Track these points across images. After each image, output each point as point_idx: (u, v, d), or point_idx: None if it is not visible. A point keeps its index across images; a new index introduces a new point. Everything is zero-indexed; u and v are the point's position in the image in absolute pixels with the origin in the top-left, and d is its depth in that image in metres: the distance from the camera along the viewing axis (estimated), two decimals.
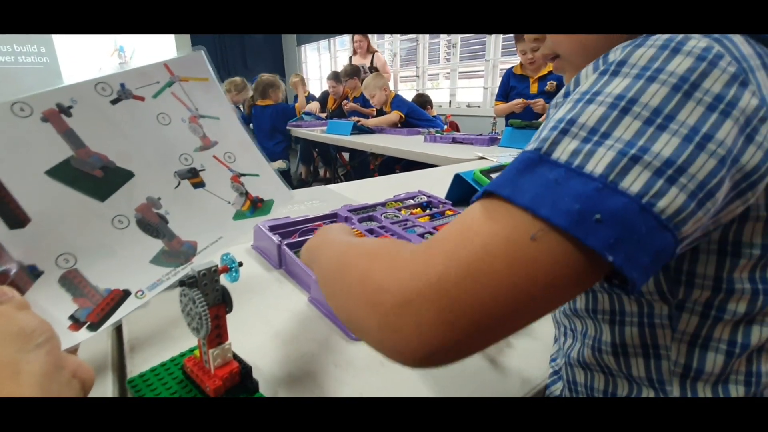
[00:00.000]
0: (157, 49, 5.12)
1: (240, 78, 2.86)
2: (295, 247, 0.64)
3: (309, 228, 0.74)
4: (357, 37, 3.45)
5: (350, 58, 3.63)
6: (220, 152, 0.56)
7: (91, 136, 0.45)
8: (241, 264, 0.36)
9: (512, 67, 2.36)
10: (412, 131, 2.53)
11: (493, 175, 0.89)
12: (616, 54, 0.26)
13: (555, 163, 0.22)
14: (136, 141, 0.49)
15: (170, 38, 5.22)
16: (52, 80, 4.77)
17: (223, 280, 0.35)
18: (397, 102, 2.90)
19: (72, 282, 0.40)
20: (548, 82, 2.29)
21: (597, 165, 0.21)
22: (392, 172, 3.18)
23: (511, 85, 2.35)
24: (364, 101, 3.76)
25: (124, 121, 0.48)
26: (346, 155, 3.99)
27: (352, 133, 2.58)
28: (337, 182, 3.80)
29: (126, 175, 0.47)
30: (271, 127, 2.79)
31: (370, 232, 0.71)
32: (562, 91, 0.29)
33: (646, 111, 0.22)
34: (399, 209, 0.84)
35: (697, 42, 0.23)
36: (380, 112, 3.04)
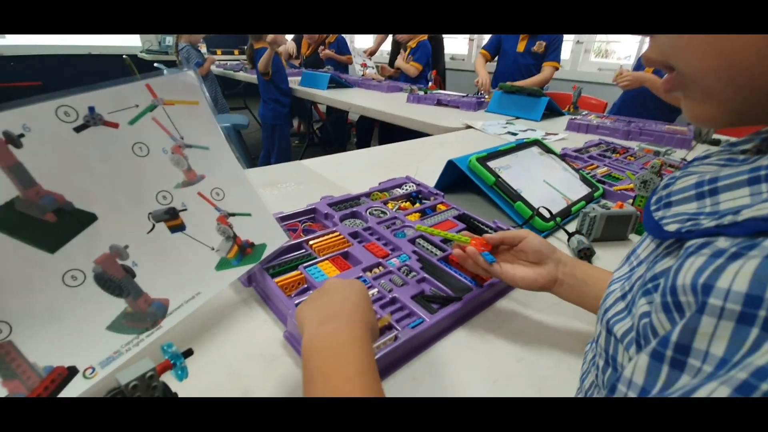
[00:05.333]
0: None
1: None
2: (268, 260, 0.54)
3: (284, 228, 0.64)
4: None
5: None
6: (207, 188, 0.47)
7: (45, 172, 0.35)
8: (189, 353, 0.27)
9: None
10: (392, 87, 2.36)
11: (490, 163, 0.80)
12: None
13: None
14: (104, 177, 0.39)
15: None
16: None
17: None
18: (422, 50, 2.55)
19: (3, 360, 0.31)
20: (537, 42, 2.15)
21: None
22: (371, 129, 3.02)
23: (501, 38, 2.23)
24: (339, 47, 3.43)
25: (90, 152, 0.38)
26: (322, 107, 3.76)
27: (329, 87, 2.38)
28: (313, 137, 3.61)
29: (86, 219, 0.37)
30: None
31: (355, 236, 0.62)
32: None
33: None
34: (385, 201, 0.75)
35: None
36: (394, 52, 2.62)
